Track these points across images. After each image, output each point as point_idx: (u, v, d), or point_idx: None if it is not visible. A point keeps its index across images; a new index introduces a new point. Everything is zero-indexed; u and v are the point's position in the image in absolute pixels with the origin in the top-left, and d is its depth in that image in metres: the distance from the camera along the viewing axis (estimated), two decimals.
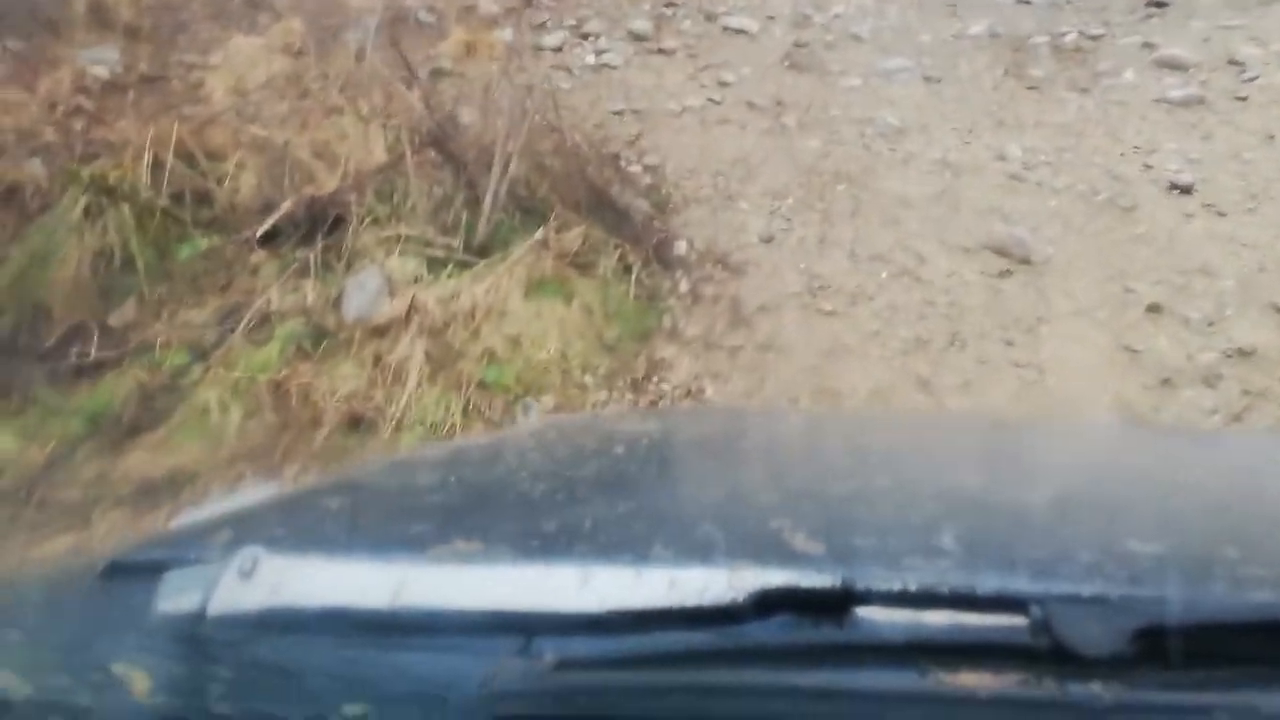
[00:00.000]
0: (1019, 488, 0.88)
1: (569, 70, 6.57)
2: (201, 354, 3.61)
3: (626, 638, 0.50)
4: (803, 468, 1.03)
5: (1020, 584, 0.51)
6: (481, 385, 3.50)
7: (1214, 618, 0.48)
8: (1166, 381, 3.62)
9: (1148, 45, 6.66)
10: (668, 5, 8.19)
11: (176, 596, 0.58)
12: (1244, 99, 5.96)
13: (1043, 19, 7.72)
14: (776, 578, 0.51)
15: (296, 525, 0.77)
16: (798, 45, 7.33)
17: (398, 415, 3.34)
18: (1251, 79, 6.09)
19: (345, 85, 5.52)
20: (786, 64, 6.91)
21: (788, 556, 0.58)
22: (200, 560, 0.62)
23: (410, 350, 3.53)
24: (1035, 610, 0.47)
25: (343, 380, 3.49)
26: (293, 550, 0.61)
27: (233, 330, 3.70)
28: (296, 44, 6.35)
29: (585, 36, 7.20)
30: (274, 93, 5.49)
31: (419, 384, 3.43)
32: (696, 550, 0.58)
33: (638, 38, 7.18)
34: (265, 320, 3.76)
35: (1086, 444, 1.29)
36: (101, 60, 5.52)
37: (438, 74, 6.18)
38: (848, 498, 0.79)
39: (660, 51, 6.99)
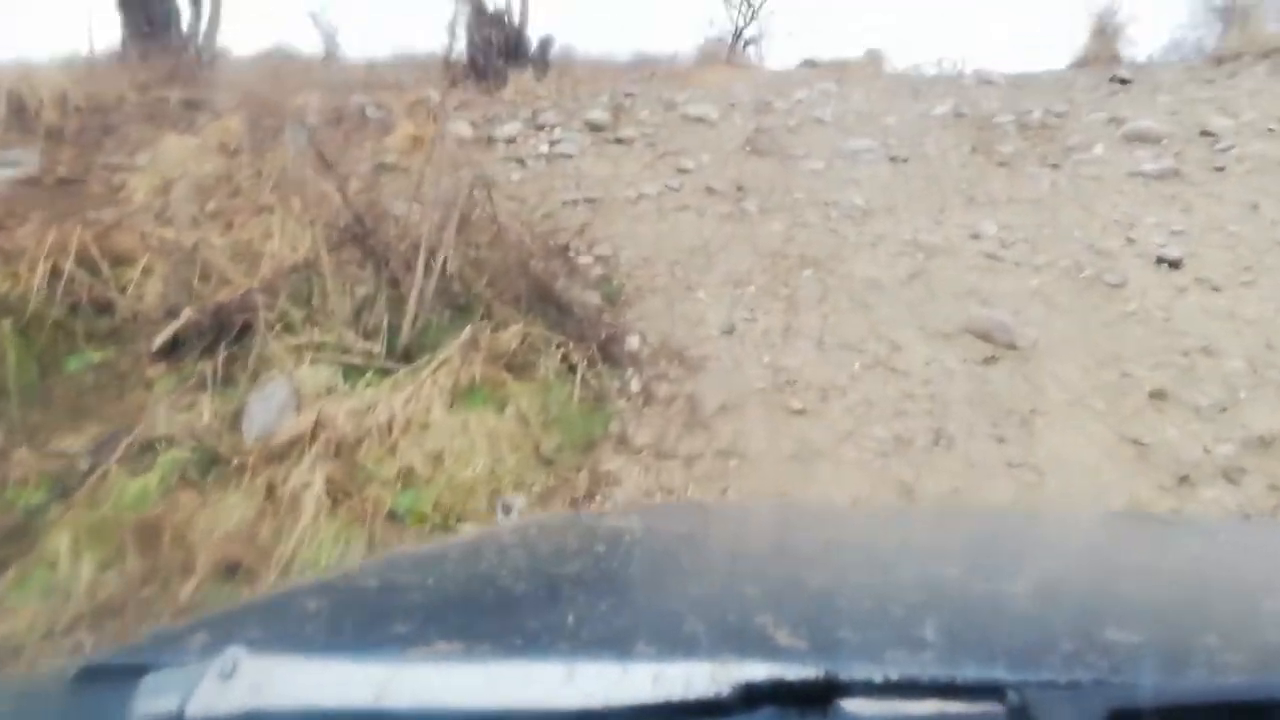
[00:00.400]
0: (998, 577, 0.90)
1: (521, 161, 6.30)
2: (65, 489, 3.07)
3: None
4: (783, 560, 1.04)
5: (998, 672, 0.52)
6: (392, 516, 2.98)
7: (1185, 702, 0.47)
8: (1184, 479, 3.15)
9: (1115, 120, 6.49)
10: (627, 95, 8.07)
11: (154, 699, 0.56)
12: (1221, 169, 5.73)
13: (1007, 98, 7.62)
14: (760, 670, 0.50)
15: (277, 626, 0.77)
16: (759, 131, 7.14)
17: (286, 556, 2.80)
18: (1226, 149, 5.88)
19: (278, 183, 5.20)
20: (748, 149, 6.69)
21: (771, 649, 0.59)
22: (179, 663, 0.60)
23: (310, 475, 3.01)
24: (1013, 697, 0.46)
25: (228, 514, 2.97)
26: (274, 651, 0.59)
27: (109, 458, 3.17)
28: (233, 143, 6.08)
29: (541, 127, 6.99)
30: (201, 192, 5.16)
31: (316, 516, 2.89)
32: (680, 645, 0.59)
33: (595, 127, 6.98)
34: (149, 446, 3.24)
35: (1066, 532, 1.35)
36: (16, 163, 5.20)
37: (382, 169, 5.90)
38: (828, 589, 0.81)
39: (618, 140, 6.77)
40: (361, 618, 0.82)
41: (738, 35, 16.96)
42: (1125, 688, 0.48)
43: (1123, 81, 7.51)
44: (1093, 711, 0.45)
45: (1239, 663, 0.59)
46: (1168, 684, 0.50)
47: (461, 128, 6.68)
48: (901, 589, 0.81)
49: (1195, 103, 6.61)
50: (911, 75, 9.96)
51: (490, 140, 6.64)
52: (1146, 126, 6.31)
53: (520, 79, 10.26)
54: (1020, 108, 7.20)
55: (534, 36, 12.39)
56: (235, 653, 0.57)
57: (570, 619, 0.73)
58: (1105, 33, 10.95)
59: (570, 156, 6.35)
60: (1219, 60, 7.69)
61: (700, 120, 7.44)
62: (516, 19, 12.37)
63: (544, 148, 6.45)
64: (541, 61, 12.15)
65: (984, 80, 8.46)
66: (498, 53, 11.65)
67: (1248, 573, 0.96)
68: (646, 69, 13.59)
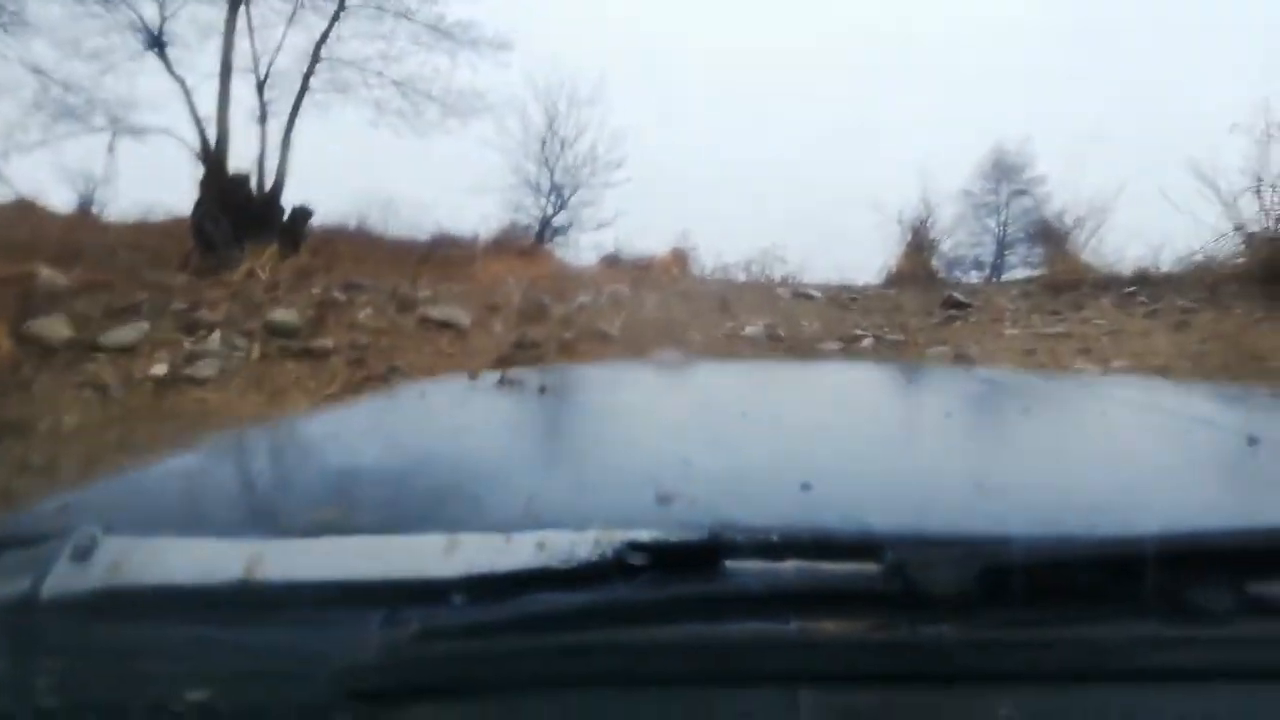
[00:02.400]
0: (873, 432, 1.00)
1: (102, 388, 3.92)
2: None
3: (494, 604, 0.48)
4: (663, 423, 1.07)
5: (875, 529, 0.51)
6: None
7: (1055, 555, 0.49)
8: None
9: (962, 357, 5.19)
10: (348, 287, 6.09)
11: (4, 580, 0.52)
12: None
13: (830, 319, 6.33)
14: (643, 535, 0.50)
15: (139, 505, 0.74)
16: (520, 347, 5.33)
17: None
18: None
19: None
20: (496, 377, 4.80)
21: (654, 514, 0.60)
22: (31, 542, 0.55)
23: None
24: (889, 555, 0.47)
25: None
26: (134, 530, 0.56)
27: None
28: None
29: (193, 329, 4.79)
30: None
31: None
32: (566, 513, 0.59)
33: (278, 332, 4.88)
34: None
35: (936, 388, 1.54)
36: None
37: None
38: (709, 451, 0.83)
39: (304, 352, 4.68)
40: (233, 493, 0.82)
41: (545, 222, 15.93)
42: (997, 543, 0.49)
43: (958, 306, 6.36)
44: (969, 569, 0.47)
45: (1102, 512, 0.64)
46: (1041, 540, 0.50)
47: (55, 327, 4.32)
48: (782, 449, 0.87)
49: (1050, 340, 5.39)
50: (720, 281, 8.73)
51: (94, 349, 4.30)
52: (997, 368, 4.97)
53: (261, 256, 8.11)
54: (847, 331, 5.80)
55: (309, 202, 10.52)
56: (91, 531, 0.54)
57: (454, 488, 0.74)
58: (921, 248, 10.51)
59: (196, 383, 4.08)
60: (1054, 288, 6.75)
61: (446, 326, 5.50)
62: (268, 183, 10.47)
63: (160, 368, 4.14)
64: (292, 235, 10.10)
65: (800, 293, 7.20)
66: (236, 224, 9.53)
67: (1116, 431, 1.07)
68: (432, 250, 12.11)
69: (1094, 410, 1.28)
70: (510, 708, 0.47)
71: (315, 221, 11.65)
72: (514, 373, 1.42)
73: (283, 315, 4.91)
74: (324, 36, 10.17)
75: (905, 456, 0.88)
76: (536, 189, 15.55)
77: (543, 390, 1.24)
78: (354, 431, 1.03)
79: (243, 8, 9.35)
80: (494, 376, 1.34)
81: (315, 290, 5.59)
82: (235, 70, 9.61)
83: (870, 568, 0.47)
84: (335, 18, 10.23)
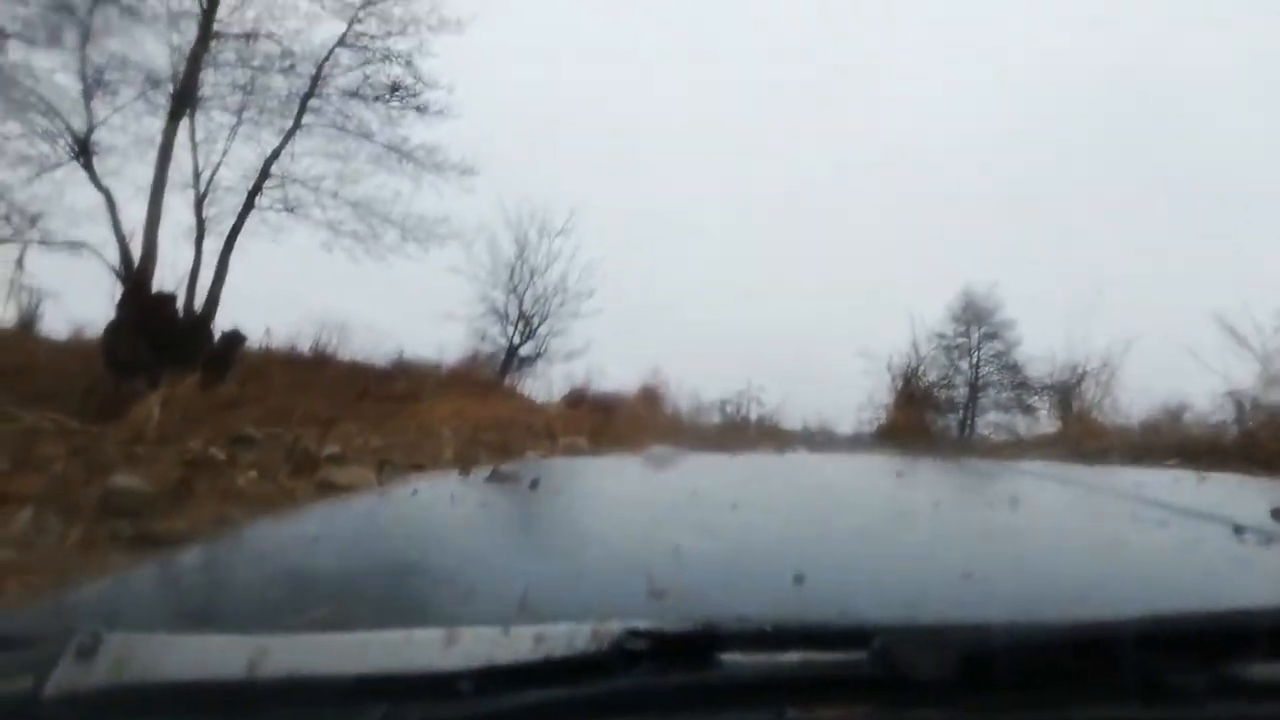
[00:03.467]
0: (863, 523, 0.99)
1: None
2: None
3: (494, 696, 0.50)
4: (657, 516, 1.08)
5: (864, 619, 0.54)
6: None
7: (1034, 640, 0.50)
8: None
9: None
10: (236, 441, 4.99)
11: (5, 680, 0.53)
12: None
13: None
14: (637, 624, 0.51)
15: (143, 602, 0.76)
16: None
17: None
18: None
19: None
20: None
21: (650, 606, 0.62)
22: (34, 641, 0.55)
23: None
24: (877, 643, 0.49)
25: None
26: (138, 626, 0.57)
27: None
28: None
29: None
30: None
31: None
32: (562, 606, 0.61)
33: (119, 508, 3.74)
34: None
35: (925, 478, 1.59)
36: None
37: None
38: (702, 543, 0.85)
39: (145, 541, 3.55)
40: (231, 589, 0.83)
41: (512, 351, 15.03)
42: (982, 630, 0.50)
43: None
44: (952, 655, 0.47)
45: (1083, 598, 0.67)
46: (1022, 626, 0.51)
47: None
48: (771, 539, 0.90)
49: None
50: (692, 426, 7.77)
51: None
52: None
53: (176, 386, 7.02)
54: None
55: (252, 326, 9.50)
56: (94, 629, 0.54)
57: (450, 582, 0.75)
58: (914, 399, 9.77)
59: None
60: (1077, 452, 5.86)
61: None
62: (200, 305, 9.47)
63: None
64: (220, 362, 9.03)
65: (782, 442, 6.23)
66: (156, 348, 8.46)
67: (1101, 519, 1.11)
68: (383, 380, 11.10)
69: (1081, 499, 1.37)
70: None
71: (262, 345, 10.64)
72: (505, 468, 1.37)
73: (127, 483, 3.77)
74: (275, 153, 9.41)
75: (894, 546, 0.91)
76: (504, 317, 14.80)
77: (534, 485, 1.26)
78: (350, 528, 1.05)
79: (186, 120, 8.68)
80: (485, 472, 1.34)
81: (194, 443, 4.47)
82: (174, 185, 8.84)
83: (859, 656, 0.48)
84: (290, 134, 9.53)
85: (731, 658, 0.50)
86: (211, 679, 0.50)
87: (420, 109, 10.07)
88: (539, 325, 14.55)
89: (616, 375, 13.44)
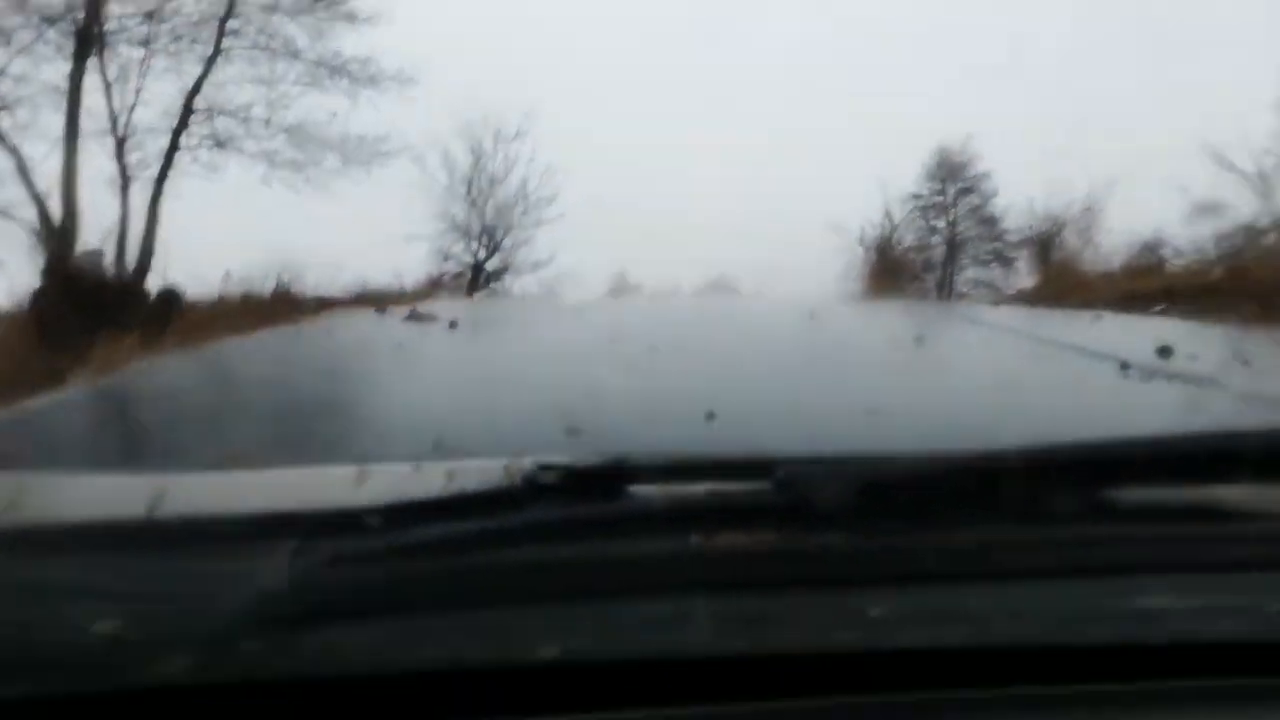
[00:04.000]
0: (776, 363, 1.05)
1: None
2: None
3: (403, 531, 0.49)
4: (568, 355, 1.11)
5: (770, 451, 0.55)
6: None
7: (925, 469, 0.52)
8: None
9: None
10: None
11: None
12: None
13: None
14: (550, 460, 0.52)
15: (38, 441, 0.74)
16: None
17: None
18: None
19: None
20: None
21: (566, 443, 0.65)
22: None
23: None
24: (781, 474, 0.51)
25: None
26: (33, 465, 0.57)
27: None
28: None
29: None
30: None
31: None
32: (478, 444, 0.61)
33: None
34: None
35: (819, 316, 1.60)
36: None
37: None
38: (611, 381, 0.86)
39: None
40: (134, 428, 0.82)
41: (478, 268, 14.49)
42: (879, 461, 0.52)
43: None
44: (851, 484, 0.49)
45: (980, 436, 0.70)
46: (914, 457, 0.53)
47: None
48: (678, 375, 0.94)
49: None
50: None
51: None
52: None
53: (116, 347, 6.59)
54: None
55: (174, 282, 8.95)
56: None
57: (364, 421, 0.75)
58: (888, 269, 9.46)
59: None
60: (1058, 306, 5.61)
61: None
62: (133, 260, 8.90)
63: None
64: (159, 319, 8.52)
65: None
66: (88, 311, 7.96)
67: (998, 357, 1.16)
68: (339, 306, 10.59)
69: (983, 338, 1.47)
70: (420, 629, 0.46)
71: (220, 291, 10.03)
72: (424, 307, 1.42)
73: None
74: (197, 85, 8.59)
75: (804, 384, 0.93)
76: (466, 232, 14.16)
77: (453, 325, 1.27)
78: (260, 365, 1.04)
79: (94, 60, 7.85)
80: (403, 310, 1.34)
81: None
82: (92, 134, 8.12)
83: (764, 486, 0.51)
84: (210, 62, 8.69)
85: (641, 489, 0.52)
86: (110, 518, 0.50)
87: (349, 17, 9.23)
88: (503, 237, 13.99)
89: (587, 281, 12.99)
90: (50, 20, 7.25)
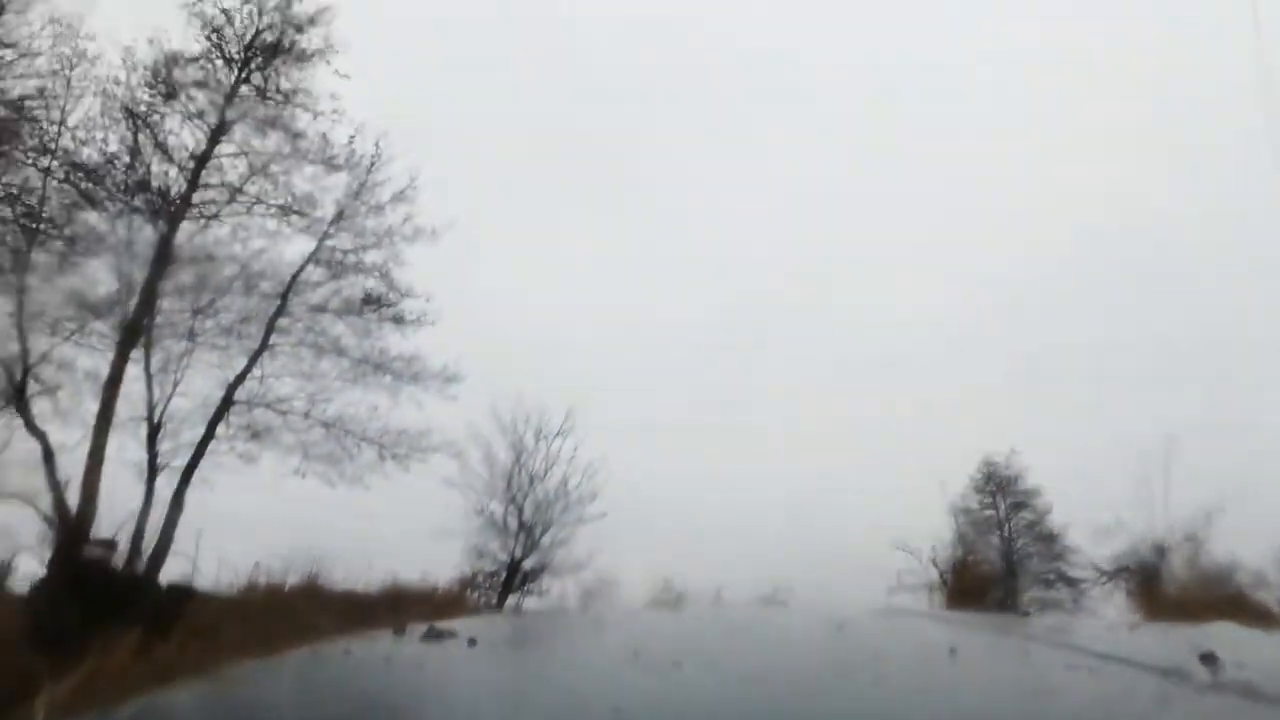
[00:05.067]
0: (807, 680, 1.04)
1: None
2: None
3: None
4: (602, 676, 1.08)
5: None
6: None
7: None
8: None
9: None
10: None
11: None
12: None
13: None
14: None
15: None
16: None
17: None
18: None
19: None
20: None
21: None
22: None
23: None
24: None
25: None
26: None
27: None
28: None
29: None
30: None
31: None
32: None
33: None
34: None
35: (865, 632, 1.73)
36: None
37: None
38: (643, 704, 0.83)
39: None
40: None
41: (514, 567, 13.62)
42: None
43: None
44: None
45: None
46: None
47: None
48: (714, 696, 0.94)
49: None
50: None
51: None
52: None
53: (114, 649, 5.87)
54: None
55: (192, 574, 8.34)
56: None
57: None
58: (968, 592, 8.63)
59: None
60: None
61: None
62: (146, 549, 8.39)
63: None
64: (166, 617, 7.81)
65: None
66: (91, 606, 7.32)
67: (1032, 670, 1.33)
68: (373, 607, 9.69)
69: (1017, 649, 1.51)
70: None
71: (249, 580, 9.28)
72: (442, 625, 1.39)
73: None
74: (239, 378, 8.78)
75: (836, 699, 0.93)
76: (504, 529, 13.53)
77: (472, 643, 1.31)
78: (280, 693, 1.00)
79: (138, 350, 8.11)
80: (421, 629, 1.34)
81: None
82: (122, 422, 8.10)
83: None
84: (256, 356, 8.92)
85: None
86: None
87: (397, 319, 9.61)
88: (541, 535, 13.36)
89: (629, 584, 12.13)
90: (98, 312, 7.54)
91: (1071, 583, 16.20)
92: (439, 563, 11.88)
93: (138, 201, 8.11)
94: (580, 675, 1.11)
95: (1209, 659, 1.29)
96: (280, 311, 8.99)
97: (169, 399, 8.11)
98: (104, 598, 7.32)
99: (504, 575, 12.81)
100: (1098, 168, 21.73)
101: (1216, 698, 1.04)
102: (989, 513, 17.73)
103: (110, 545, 7.49)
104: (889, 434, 18.51)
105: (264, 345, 8.82)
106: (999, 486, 17.71)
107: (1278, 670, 1.25)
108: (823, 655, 1.34)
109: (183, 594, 7.96)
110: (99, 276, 7.50)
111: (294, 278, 9.10)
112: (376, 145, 9.32)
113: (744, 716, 0.77)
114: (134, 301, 7.63)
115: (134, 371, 7.91)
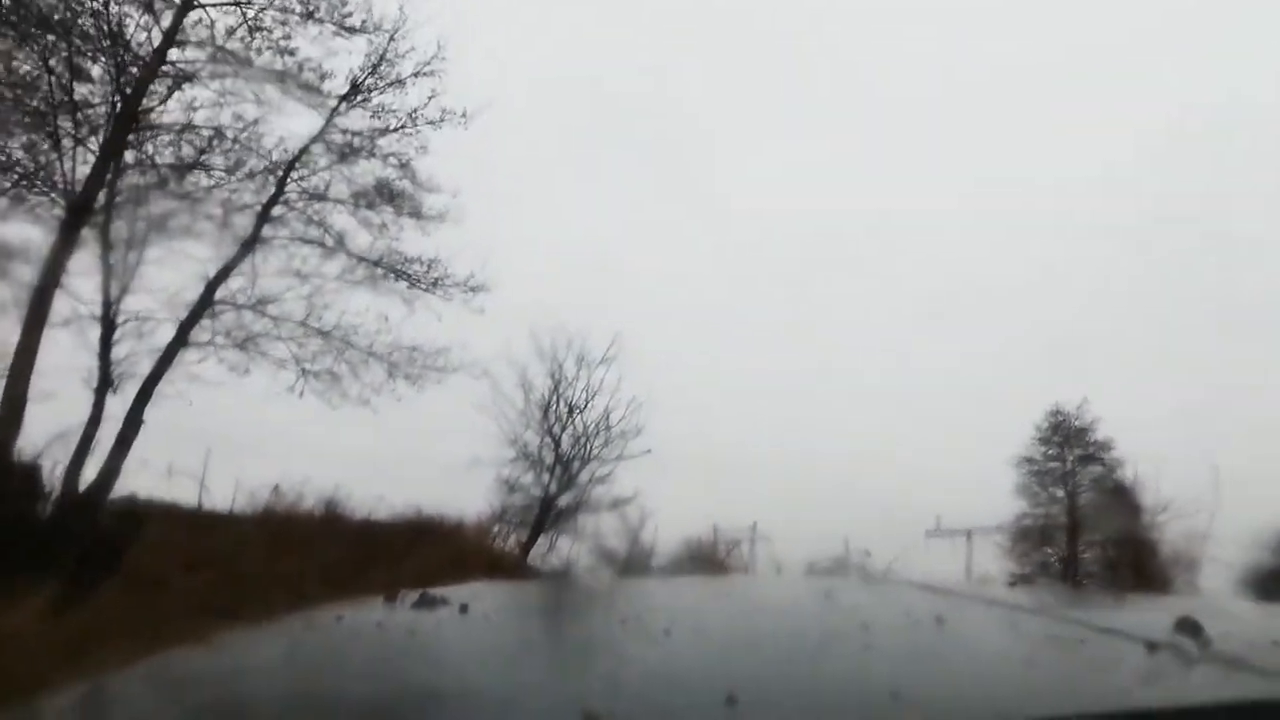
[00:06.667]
0: (794, 644, 1.06)
1: None
2: None
3: None
4: (595, 641, 1.11)
5: None
6: None
7: None
8: None
9: None
10: None
11: None
12: None
13: None
14: None
15: None
16: None
17: None
18: None
19: None
20: None
21: None
22: None
23: None
24: None
25: None
26: None
27: None
28: None
29: None
30: None
31: None
32: None
33: None
34: None
35: (852, 599, 1.62)
36: None
37: None
38: (634, 668, 0.86)
39: None
40: None
41: (547, 504, 12.32)
42: None
43: None
44: None
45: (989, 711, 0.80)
46: None
47: None
48: (704, 662, 0.95)
49: None
50: None
51: None
52: None
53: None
54: None
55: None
56: None
57: (373, 716, 0.75)
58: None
59: None
60: None
61: None
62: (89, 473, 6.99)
63: None
64: (105, 557, 6.37)
65: None
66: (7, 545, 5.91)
67: (1014, 636, 1.23)
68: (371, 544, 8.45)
69: (1005, 618, 1.42)
70: None
71: (269, 502, 7.98)
72: (434, 592, 1.29)
73: None
74: (224, 272, 7.33)
75: (823, 666, 0.93)
76: (538, 463, 12.21)
77: (464, 609, 1.22)
78: (272, 659, 1.01)
79: (97, 233, 6.65)
80: (413, 595, 1.25)
81: None
82: (76, 320, 6.73)
83: None
84: (245, 249, 7.47)
85: None
86: None
87: (414, 214, 8.05)
88: (579, 471, 12.03)
89: (672, 526, 10.84)
90: (31, 176, 5.97)
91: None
92: (467, 497, 10.67)
93: (99, 53, 6.51)
94: (575, 642, 1.07)
95: (1189, 626, 1.19)
96: (276, 198, 7.48)
97: (125, 291, 6.61)
98: (15, 537, 5.89)
99: (536, 511, 11.52)
100: None
101: (1205, 668, 1.04)
102: (1053, 464, 16.29)
103: (30, 470, 6.01)
104: (957, 387, 17.24)
105: (255, 237, 7.34)
106: (1066, 438, 16.22)
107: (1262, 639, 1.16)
108: (813, 621, 1.23)
109: (129, 522, 6.52)
110: (42, 137, 5.96)
111: (295, 159, 7.56)
112: (400, 7, 7.66)
113: (732, 682, 0.69)
114: (86, 171, 6.10)
115: (87, 262, 6.43)
